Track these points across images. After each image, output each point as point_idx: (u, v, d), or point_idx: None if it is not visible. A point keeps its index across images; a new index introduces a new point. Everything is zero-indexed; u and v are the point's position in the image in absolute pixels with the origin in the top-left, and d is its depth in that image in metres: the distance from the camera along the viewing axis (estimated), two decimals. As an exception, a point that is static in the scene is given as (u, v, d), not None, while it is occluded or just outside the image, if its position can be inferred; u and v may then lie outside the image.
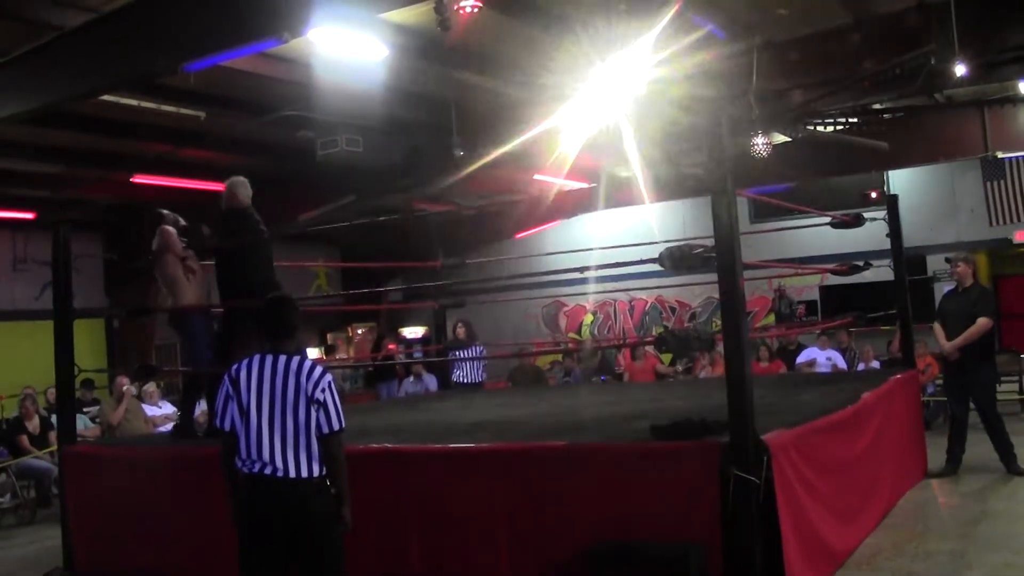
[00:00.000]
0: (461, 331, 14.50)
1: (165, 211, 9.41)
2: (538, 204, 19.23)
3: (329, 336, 23.82)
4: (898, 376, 10.21)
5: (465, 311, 14.71)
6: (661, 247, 6.66)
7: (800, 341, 16.68)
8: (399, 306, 22.60)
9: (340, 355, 22.37)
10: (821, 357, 15.26)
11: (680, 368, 17.07)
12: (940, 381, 13.84)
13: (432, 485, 6.94)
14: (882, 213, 10.76)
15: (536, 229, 22.64)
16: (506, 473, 6.68)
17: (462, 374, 14.64)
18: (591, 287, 19.30)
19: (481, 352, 15.21)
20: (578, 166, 18.63)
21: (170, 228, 9.19)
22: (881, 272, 10.82)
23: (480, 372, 14.89)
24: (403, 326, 24.06)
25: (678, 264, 6.37)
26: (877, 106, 13.52)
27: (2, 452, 13.21)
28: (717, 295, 6.24)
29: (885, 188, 18.50)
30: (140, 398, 13.88)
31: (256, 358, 5.26)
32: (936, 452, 10.54)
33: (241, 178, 9.08)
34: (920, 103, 14.25)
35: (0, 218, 17.87)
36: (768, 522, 5.83)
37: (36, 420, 13.35)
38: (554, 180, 18.84)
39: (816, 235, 15.70)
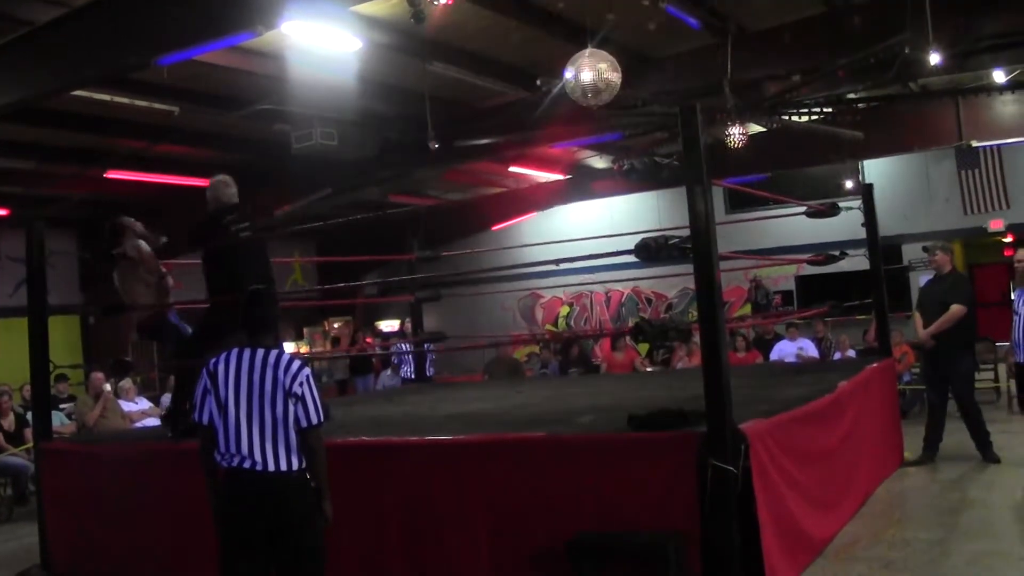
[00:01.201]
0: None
1: (130, 220, 9.28)
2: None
3: (305, 330, 23.79)
4: (875, 365, 10.24)
5: (441, 304, 14.71)
6: (637, 238, 6.66)
7: (777, 331, 16.74)
8: (375, 300, 22.56)
9: (317, 348, 22.32)
10: (791, 348, 15.32)
11: (657, 360, 17.10)
12: (916, 370, 13.92)
13: (411, 478, 6.93)
14: (857, 203, 10.80)
15: (512, 221, 22.67)
16: (485, 465, 6.67)
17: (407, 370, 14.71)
18: (567, 279, 19.34)
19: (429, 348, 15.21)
20: (553, 158, 18.71)
21: (143, 244, 9.07)
22: (856, 261, 10.86)
23: (428, 368, 14.98)
24: (379, 319, 24.02)
25: (654, 255, 6.37)
26: (852, 96, 13.58)
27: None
28: (693, 286, 6.24)
29: (860, 177, 18.58)
30: (117, 394, 13.82)
31: (234, 352, 5.25)
32: (913, 440, 10.58)
33: (225, 177, 8.90)
34: (895, 92, 14.32)
35: (-28, 215, 17.75)
36: (746, 511, 5.84)
37: (11, 417, 13.28)
38: (529, 172, 18.89)
39: (792, 225, 15.76)
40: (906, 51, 10.42)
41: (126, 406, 13.53)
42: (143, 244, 9.03)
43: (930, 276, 10.90)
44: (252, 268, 8.38)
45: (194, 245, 8.77)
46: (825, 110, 13.72)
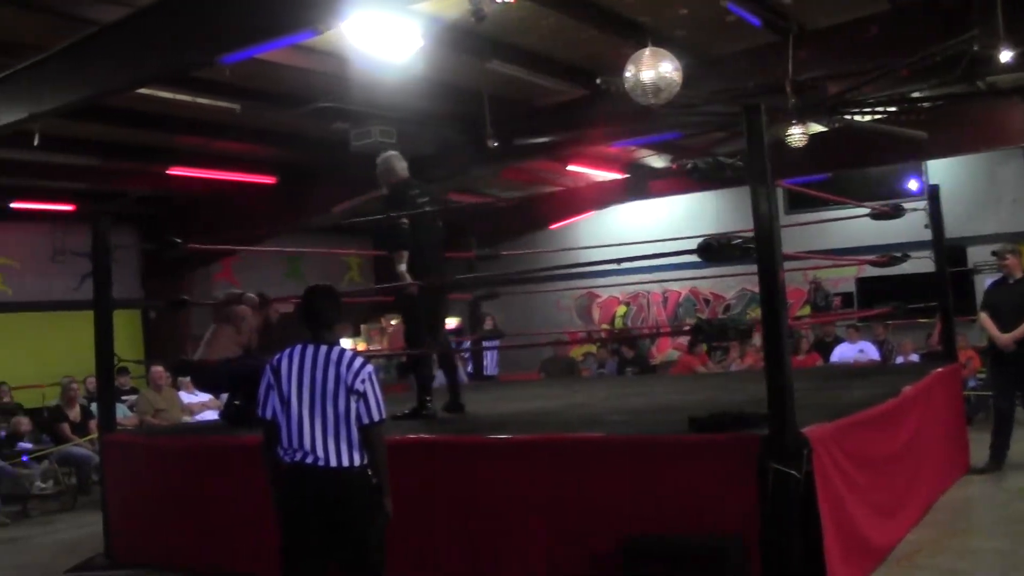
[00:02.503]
0: (490, 322, 14.51)
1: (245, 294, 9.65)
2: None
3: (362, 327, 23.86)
4: (939, 370, 10.09)
5: (498, 302, 14.71)
6: (697, 239, 6.61)
7: (837, 334, 16.57)
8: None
9: (374, 346, 22.39)
10: (852, 351, 15.14)
11: (716, 361, 16.97)
12: (982, 375, 13.70)
13: (467, 476, 6.94)
14: (921, 204, 10.65)
15: (570, 220, 22.63)
16: (542, 465, 6.66)
17: (486, 366, 14.65)
18: (624, 278, 19.25)
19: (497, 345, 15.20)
20: (611, 157, 18.65)
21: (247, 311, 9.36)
22: (919, 264, 10.71)
23: (496, 365, 14.90)
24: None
25: (717, 255, 6.32)
26: (916, 94, 13.37)
27: (44, 440, 13.35)
28: (751, 287, 6.21)
29: (924, 178, 18.33)
30: (177, 387, 13.98)
31: (297, 348, 5.28)
32: (978, 448, 10.38)
33: (392, 152, 9.19)
34: (961, 91, 14.06)
35: (39, 210, 18.01)
36: (807, 516, 5.76)
37: (77, 409, 13.50)
38: (588, 171, 18.83)
39: (852, 226, 15.60)
40: (975, 48, 10.23)
41: (186, 398, 13.68)
42: (251, 323, 9.16)
43: (993, 279, 10.71)
44: (432, 241, 8.76)
45: (385, 219, 8.79)
46: (888, 109, 13.52)
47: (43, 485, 12.54)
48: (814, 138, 13.64)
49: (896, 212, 10.29)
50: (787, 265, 6.12)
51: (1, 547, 10.30)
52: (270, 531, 5.48)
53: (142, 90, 11.11)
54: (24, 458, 12.43)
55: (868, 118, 13.54)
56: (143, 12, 9.14)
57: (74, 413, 13.42)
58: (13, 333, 18.45)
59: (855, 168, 17.72)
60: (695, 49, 12.08)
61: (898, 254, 10.52)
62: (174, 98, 12.08)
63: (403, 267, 8.55)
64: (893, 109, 13.50)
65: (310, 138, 15.25)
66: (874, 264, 10.91)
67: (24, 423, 13.40)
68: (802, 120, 12.52)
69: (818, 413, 6.71)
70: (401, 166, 9.05)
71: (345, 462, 5.08)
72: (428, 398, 8.77)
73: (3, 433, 13.26)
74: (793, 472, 5.67)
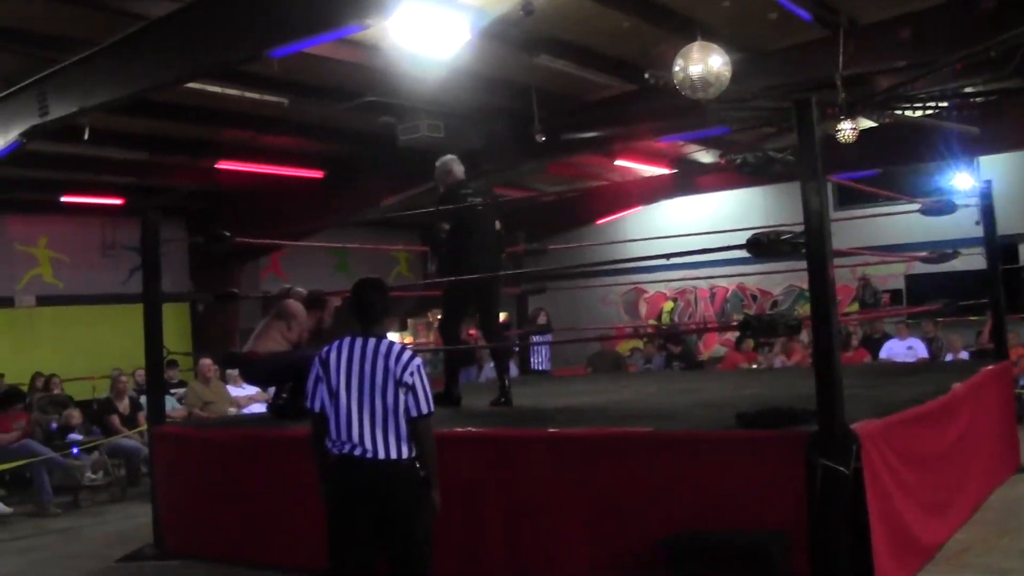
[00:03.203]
0: (544, 317, 14.51)
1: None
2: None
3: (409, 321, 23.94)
4: (990, 368, 9.98)
5: (545, 297, 14.69)
6: (743, 234, 6.58)
7: (886, 331, 16.41)
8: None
9: (421, 340, 22.44)
10: (902, 347, 14.99)
11: (763, 358, 16.86)
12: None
13: (513, 469, 6.94)
14: (972, 200, 10.52)
15: (617, 215, 22.58)
16: (588, 460, 6.65)
17: (535, 361, 14.63)
18: (671, 274, 19.18)
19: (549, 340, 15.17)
20: (659, 152, 18.58)
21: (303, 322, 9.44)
22: (969, 261, 10.61)
23: (548, 360, 14.88)
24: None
25: (766, 251, 6.28)
26: (969, 89, 13.20)
27: (94, 431, 13.50)
28: (799, 283, 6.18)
29: (976, 174, 18.09)
30: (225, 380, 14.09)
31: (346, 340, 5.30)
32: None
33: (451, 156, 9.47)
34: (1015, 86, 13.86)
35: (89, 204, 18.20)
36: (855, 514, 5.73)
37: (126, 401, 13.65)
38: (635, 166, 18.76)
39: (902, 222, 15.42)
40: (1030, 43, 10.09)
41: (234, 392, 13.77)
42: (302, 320, 9.22)
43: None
44: (483, 241, 9.01)
45: (442, 218, 9.14)
46: (940, 104, 13.37)
47: (93, 476, 12.68)
48: (864, 133, 13.50)
49: (948, 208, 10.17)
50: (836, 261, 6.07)
51: (53, 537, 10.43)
52: (318, 523, 5.51)
53: (190, 84, 11.20)
54: (74, 450, 12.57)
55: (919, 113, 13.40)
56: (191, 7, 9.22)
57: (123, 405, 13.57)
58: (64, 326, 18.69)
59: (905, 164, 17.52)
60: (744, 44, 12.00)
61: (948, 250, 10.43)
62: (222, 92, 12.18)
63: (432, 268, 9.15)
64: (945, 104, 13.35)
65: (357, 132, 15.30)
66: (924, 260, 10.84)
67: (75, 416, 13.57)
68: (852, 115, 12.39)
69: (867, 410, 6.66)
70: (459, 169, 9.35)
71: (393, 454, 5.10)
72: (454, 387, 9.22)
73: (55, 425, 13.42)
74: (842, 469, 5.64)
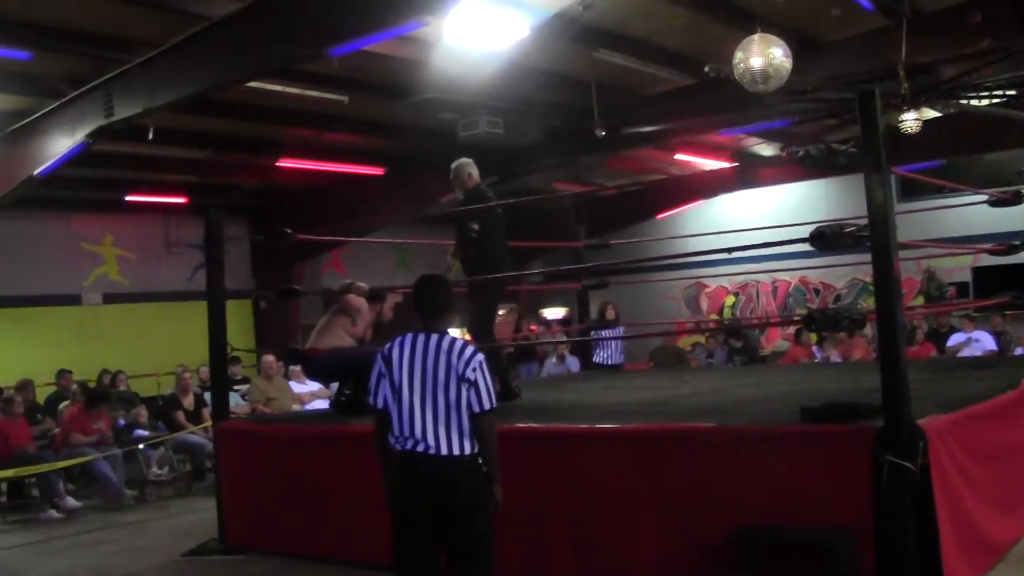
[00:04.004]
0: (612, 312, 14.49)
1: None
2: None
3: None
4: (1061, 360, 9.80)
5: (607, 292, 14.65)
6: (806, 228, 6.51)
7: (952, 324, 16.17)
8: (541, 287, 22.61)
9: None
10: (968, 341, 14.77)
11: (825, 352, 16.68)
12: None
13: (577, 465, 6.93)
14: (1042, 190, 10.34)
15: (677, 209, 22.48)
16: (653, 454, 6.63)
17: (604, 355, 14.58)
18: (733, 268, 19.06)
19: (621, 334, 15.11)
20: (719, 145, 18.46)
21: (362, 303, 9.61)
22: (1039, 252, 10.38)
23: (620, 354, 14.82)
24: (543, 307, 24.05)
25: (830, 243, 6.21)
26: (1040, 76, 12.96)
27: (160, 427, 13.68)
28: (863, 277, 6.10)
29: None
30: (288, 376, 14.19)
31: (408, 336, 5.31)
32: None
33: (467, 159, 9.51)
34: (1085, 73, 13.60)
35: (154, 203, 18.44)
36: (923, 511, 5.65)
37: (191, 397, 13.82)
38: (696, 160, 18.66)
39: (967, 214, 15.22)
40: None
41: (297, 388, 13.86)
42: (365, 315, 9.36)
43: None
44: (499, 243, 9.23)
45: (471, 219, 9.22)
46: (1007, 93, 13.14)
47: (159, 471, 12.85)
48: (928, 124, 13.31)
49: (1016, 199, 10.00)
50: (900, 254, 5.99)
51: (121, 531, 10.59)
52: (380, 519, 5.53)
53: (252, 83, 11.31)
54: (141, 446, 12.74)
55: (985, 102, 13.18)
56: (253, 6, 9.31)
57: (188, 401, 13.75)
58: (129, 323, 18.96)
59: (971, 154, 17.26)
60: (805, 35, 11.90)
61: (1017, 242, 10.22)
62: (283, 91, 12.27)
63: (455, 265, 9.36)
64: (1012, 92, 13.11)
65: (417, 129, 15.35)
66: (991, 252, 10.62)
67: (143, 414, 13.74)
68: (916, 105, 12.22)
69: (934, 405, 6.57)
70: (476, 171, 9.45)
71: (456, 450, 5.10)
72: (510, 383, 9.26)
73: (122, 422, 13.60)
74: (908, 465, 5.56)
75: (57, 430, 13.21)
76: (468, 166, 9.42)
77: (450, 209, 9.74)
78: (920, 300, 18.78)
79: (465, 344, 5.26)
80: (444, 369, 5.14)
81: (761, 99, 11.13)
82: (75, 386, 14.60)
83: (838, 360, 15.13)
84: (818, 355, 15.82)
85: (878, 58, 11.81)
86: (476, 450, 5.16)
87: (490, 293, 9.36)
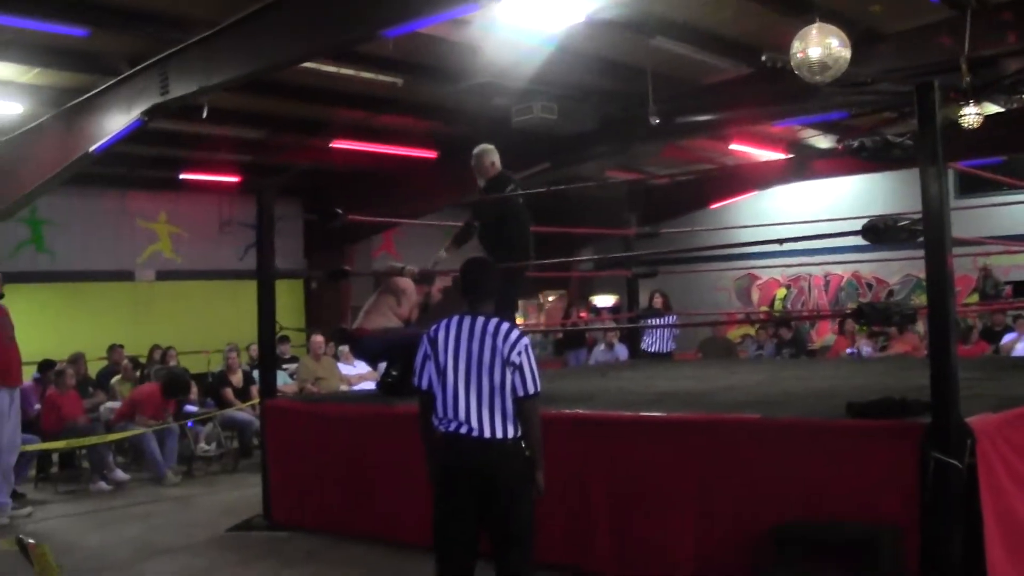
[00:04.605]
0: (659, 300, 14.42)
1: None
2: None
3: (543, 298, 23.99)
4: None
5: (656, 281, 14.59)
6: (859, 222, 6.43)
7: (1007, 323, 15.95)
8: (591, 274, 22.57)
9: (531, 321, 22.48)
10: (1022, 341, 14.57)
11: (878, 347, 16.52)
12: None
13: (620, 453, 6.91)
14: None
15: (730, 200, 22.35)
16: (695, 445, 6.60)
17: (653, 343, 14.54)
18: (785, 260, 18.91)
19: (673, 322, 15.05)
20: (774, 136, 18.30)
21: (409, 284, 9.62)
22: (1099, 252, 10.23)
23: (670, 342, 14.76)
24: (593, 294, 24.01)
25: (882, 237, 6.13)
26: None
27: (208, 403, 13.81)
28: (917, 272, 6.01)
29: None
30: (336, 357, 14.28)
31: (455, 319, 5.31)
32: None
33: (489, 146, 9.38)
34: None
35: (207, 182, 18.58)
36: (968, 509, 5.56)
37: (239, 374, 13.93)
38: (750, 150, 18.52)
39: (1025, 212, 15.00)
40: None
41: (344, 369, 13.94)
42: (412, 296, 9.39)
43: None
44: (526, 232, 9.11)
45: (488, 208, 9.26)
46: (1073, 88, 12.91)
47: (206, 447, 12.98)
48: (989, 119, 13.12)
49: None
50: (956, 250, 5.90)
51: (168, 504, 10.72)
52: (423, 500, 5.55)
53: (307, 64, 11.34)
54: (190, 423, 12.87)
55: (1050, 98, 12.97)
56: (308, -12, 9.33)
57: (236, 378, 13.86)
58: (181, 300, 19.15)
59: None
60: (865, 25, 11.74)
61: (1076, 241, 10.07)
62: (338, 72, 12.30)
63: (443, 253, 9.44)
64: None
65: (471, 113, 15.34)
66: (1050, 251, 10.48)
67: (193, 390, 13.85)
68: (977, 100, 12.05)
69: (984, 403, 6.47)
70: (497, 159, 9.31)
71: (499, 434, 5.10)
72: None
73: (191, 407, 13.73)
74: (955, 463, 5.48)
75: (108, 402, 13.37)
76: (490, 153, 9.27)
77: (469, 200, 9.57)
78: (975, 298, 18.53)
79: (511, 327, 5.25)
80: (489, 352, 5.13)
81: (818, 90, 11.02)
82: (126, 361, 14.76)
83: (868, 351, 15.03)
84: (850, 349, 15.74)
85: (940, 51, 11.64)
86: (519, 434, 5.16)
87: (509, 286, 9.09)
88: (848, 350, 15.70)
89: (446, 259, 9.46)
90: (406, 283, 9.52)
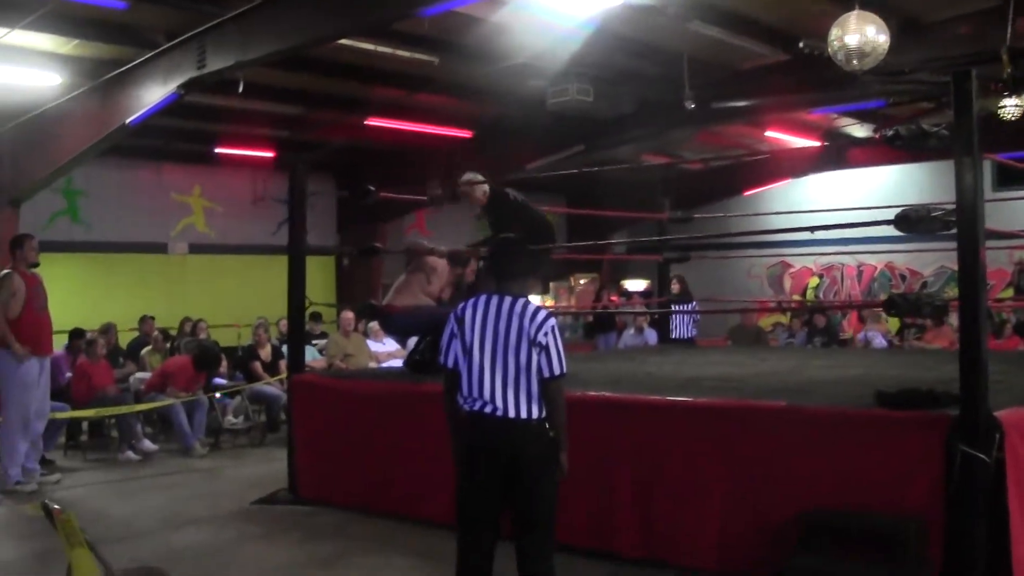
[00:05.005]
0: (676, 286, 14.36)
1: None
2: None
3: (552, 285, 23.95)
4: None
5: (688, 267, 14.55)
6: (893, 212, 6.38)
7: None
8: (623, 258, 22.53)
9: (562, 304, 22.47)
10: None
11: (908, 339, 16.42)
12: None
13: (646, 437, 6.91)
14: None
15: (764, 187, 22.25)
16: (722, 430, 6.59)
17: (674, 329, 14.51)
18: (819, 249, 18.81)
19: (694, 308, 15.02)
20: (810, 124, 18.18)
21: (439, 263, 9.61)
22: None
23: (691, 328, 14.74)
24: (625, 278, 23.98)
25: (915, 226, 6.08)
26: None
27: (237, 377, 13.89)
28: (951, 264, 5.95)
29: None
30: (366, 334, 14.32)
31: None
32: None
33: (473, 174, 9.36)
34: None
35: (242, 157, 18.65)
36: (995, 503, 5.53)
37: (268, 348, 14.01)
38: (786, 137, 18.41)
39: (1065, 206, 14.82)
40: None
41: (374, 346, 13.99)
42: (442, 275, 9.43)
43: None
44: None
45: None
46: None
47: (234, 420, 13.06)
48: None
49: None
50: (991, 243, 5.85)
51: (195, 475, 10.80)
52: (447, 478, 5.56)
53: (344, 41, 11.35)
54: (218, 396, 12.95)
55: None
56: (347, -36, 9.34)
57: (264, 353, 13.93)
58: (214, 274, 19.28)
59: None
60: (904, 14, 11.62)
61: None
62: (374, 50, 12.29)
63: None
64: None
65: (507, 94, 15.31)
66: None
67: (222, 364, 13.93)
68: (1018, 91, 11.91)
69: (1014, 398, 6.41)
70: (487, 186, 9.24)
71: (524, 414, 5.09)
72: None
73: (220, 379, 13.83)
74: (982, 456, 5.45)
75: (138, 373, 13.48)
76: (475, 178, 9.26)
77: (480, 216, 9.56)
78: (1010, 292, 18.39)
79: (538, 308, 5.24)
80: (516, 332, 5.12)
81: (856, 78, 10.92)
82: (157, 332, 14.87)
83: (880, 341, 15.02)
84: (861, 335, 15.71)
85: (981, 41, 11.51)
86: (544, 415, 5.15)
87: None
88: (859, 336, 15.69)
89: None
90: (436, 261, 9.54)
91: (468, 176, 9.25)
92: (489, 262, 5.51)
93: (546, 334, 5.12)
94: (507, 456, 5.07)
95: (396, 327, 9.97)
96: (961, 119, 5.77)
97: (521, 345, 5.11)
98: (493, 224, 9.16)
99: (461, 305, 5.37)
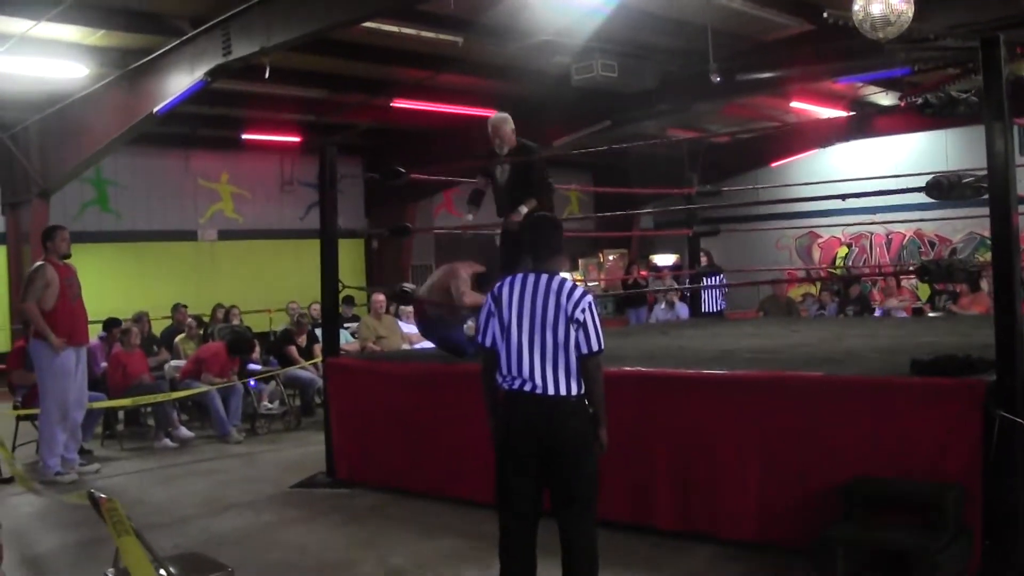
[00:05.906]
0: (704, 260, 14.35)
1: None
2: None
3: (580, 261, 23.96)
4: None
5: (717, 239, 14.54)
6: (922, 179, 6.36)
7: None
8: (652, 233, 22.51)
9: (591, 280, 22.49)
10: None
11: (940, 306, 16.36)
12: None
13: (684, 411, 6.93)
14: None
15: (791, 158, 22.16)
16: (759, 402, 6.59)
17: (704, 303, 14.51)
18: (847, 219, 18.74)
19: (722, 281, 15.01)
20: (836, 93, 18.09)
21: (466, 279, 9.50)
22: None
23: (720, 301, 14.72)
24: (654, 253, 23.96)
25: (946, 193, 6.07)
26: None
27: (271, 362, 13.96)
28: (980, 230, 5.94)
29: None
30: (398, 316, 14.36)
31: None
32: None
33: (505, 114, 9.23)
34: None
35: (269, 142, 18.72)
36: (1034, 469, 5.55)
37: (305, 333, 14.04)
38: (812, 108, 18.33)
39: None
40: None
41: (406, 328, 14.02)
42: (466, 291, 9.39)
43: None
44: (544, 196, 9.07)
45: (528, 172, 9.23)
46: None
47: (269, 405, 13.13)
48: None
49: None
50: (1021, 208, 5.83)
51: (232, 461, 10.86)
52: (486, 457, 5.59)
53: (368, 24, 11.37)
54: (251, 381, 13.00)
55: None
56: (371, -53, 9.35)
57: (300, 338, 13.97)
58: (243, 259, 19.38)
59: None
60: (930, -20, 11.55)
61: None
62: (399, 31, 12.32)
63: (469, 217, 9.68)
64: None
65: (531, 72, 15.32)
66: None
67: (256, 350, 14.00)
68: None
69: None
70: (513, 127, 9.20)
71: (563, 391, 5.10)
72: None
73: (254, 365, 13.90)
74: (1020, 421, 5.45)
75: (172, 361, 13.57)
76: (508, 120, 9.19)
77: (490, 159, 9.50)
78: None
79: (575, 285, 5.25)
80: (553, 309, 5.12)
81: (881, 47, 10.87)
82: (190, 319, 14.96)
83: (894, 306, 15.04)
84: (879, 311, 15.74)
85: (1008, 5, 11.43)
86: (583, 391, 5.17)
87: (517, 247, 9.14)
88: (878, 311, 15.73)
89: (471, 221, 9.76)
90: (468, 272, 9.50)
91: (502, 115, 9.21)
92: (526, 240, 5.50)
93: (583, 311, 5.13)
94: (547, 433, 5.08)
95: (428, 336, 9.91)
96: (991, 85, 5.75)
97: (559, 322, 5.11)
98: (512, 170, 9.20)
99: (498, 284, 5.37)
